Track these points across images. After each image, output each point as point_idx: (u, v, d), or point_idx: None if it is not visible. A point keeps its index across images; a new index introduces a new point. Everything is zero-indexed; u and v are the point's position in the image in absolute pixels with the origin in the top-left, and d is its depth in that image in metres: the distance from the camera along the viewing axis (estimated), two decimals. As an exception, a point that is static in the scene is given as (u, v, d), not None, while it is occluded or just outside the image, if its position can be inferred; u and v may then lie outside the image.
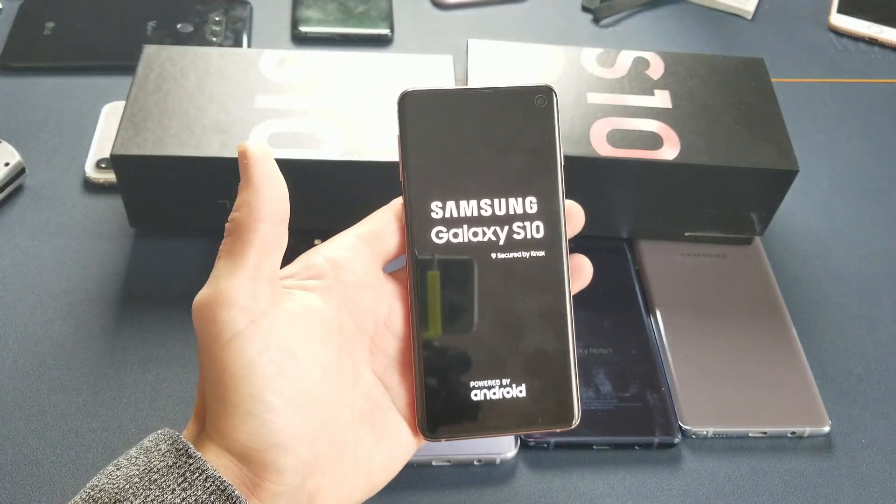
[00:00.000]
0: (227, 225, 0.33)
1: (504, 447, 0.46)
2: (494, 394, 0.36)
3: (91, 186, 0.59)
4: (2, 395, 0.47)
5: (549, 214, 0.36)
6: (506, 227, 0.36)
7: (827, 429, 0.49)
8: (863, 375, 0.53)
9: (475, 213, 0.36)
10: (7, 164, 0.57)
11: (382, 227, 0.36)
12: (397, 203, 0.37)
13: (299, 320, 0.33)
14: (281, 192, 0.33)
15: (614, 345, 0.51)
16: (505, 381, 0.36)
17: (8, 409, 0.47)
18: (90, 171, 0.59)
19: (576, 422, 0.36)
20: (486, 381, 0.36)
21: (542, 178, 0.36)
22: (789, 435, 0.49)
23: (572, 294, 0.37)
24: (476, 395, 0.36)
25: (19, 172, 0.58)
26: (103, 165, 0.59)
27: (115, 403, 0.47)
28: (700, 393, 0.49)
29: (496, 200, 0.36)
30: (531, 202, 0.36)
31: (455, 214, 0.36)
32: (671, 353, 0.51)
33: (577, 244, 0.57)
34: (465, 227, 0.36)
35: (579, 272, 0.38)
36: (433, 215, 0.36)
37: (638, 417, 0.48)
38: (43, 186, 0.59)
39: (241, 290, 0.31)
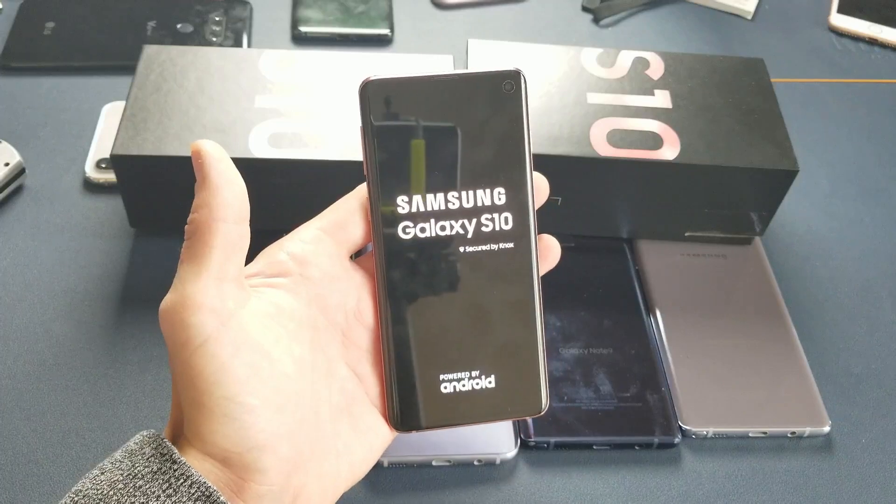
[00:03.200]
0: (186, 227, 0.32)
1: (504, 447, 0.46)
2: (464, 386, 0.36)
3: (91, 186, 0.59)
4: (2, 395, 0.47)
5: (518, 205, 0.35)
6: (474, 220, 0.35)
7: (827, 429, 0.49)
8: (863, 375, 0.53)
9: (442, 207, 0.35)
10: (7, 164, 0.57)
11: (345, 216, 0.35)
12: (362, 190, 0.36)
13: (269, 319, 0.32)
14: (239, 190, 0.32)
15: (614, 345, 0.51)
16: (474, 373, 0.36)
17: (8, 409, 0.47)
18: (90, 171, 0.59)
19: (544, 409, 0.36)
20: (454, 374, 0.36)
21: (510, 168, 0.35)
22: (789, 435, 0.49)
23: (541, 276, 0.36)
24: (445, 387, 0.36)
25: (19, 172, 0.58)
26: (103, 165, 0.59)
27: (115, 403, 0.47)
28: (700, 393, 0.49)
29: (464, 192, 0.35)
30: (499, 193, 0.35)
31: (422, 208, 0.35)
32: (671, 353, 0.51)
33: (578, 244, 0.57)
34: (433, 221, 0.35)
35: (547, 252, 0.37)
36: (399, 210, 0.35)
37: (638, 417, 0.48)
38: (43, 186, 0.59)
39: (207, 292, 0.31)
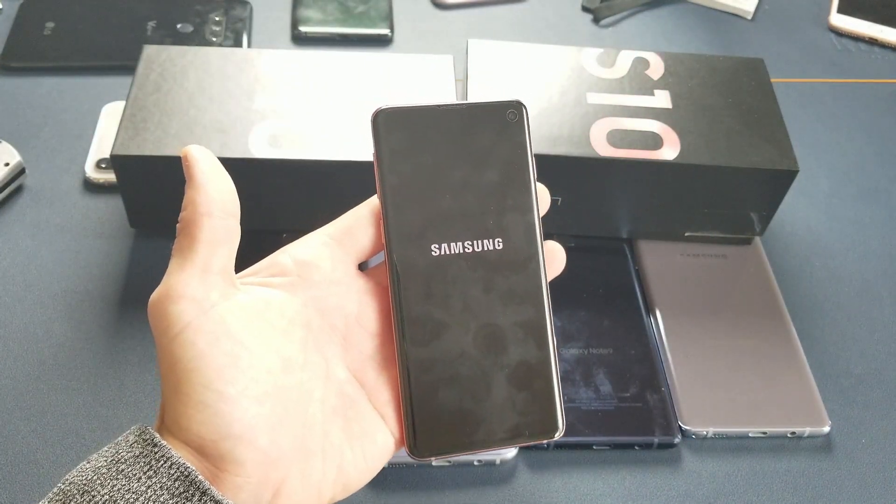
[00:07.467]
0: (177, 226, 0.33)
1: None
2: (481, 410, 0.36)
3: (91, 186, 0.59)
4: (2, 395, 0.47)
5: (526, 227, 0.36)
6: (484, 242, 0.36)
7: (827, 429, 0.49)
8: (863, 375, 0.53)
9: (453, 228, 0.36)
10: (7, 164, 0.57)
11: (354, 224, 0.36)
12: (373, 201, 0.37)
13: (253, 313, 0.33)
14: (225, 187, 0.33)
15: (614, 345, 0.51)
16: (491, 397, 0.36)
17: (8, 409, 0.47)
18: (90, 171, 0.59)
19: (560, 432, 0.36)
20: (472, 398, 0.35)
21: (516, 191, 0.36)
22: (789, 435, 0.49)
23: (548, 281, 0.37)
24: (463, 412, 0.35)
25: (19, 172, 0.58)
26: (103, 165, 0.59)
27: (115, 403, 0.47)
28: (700, 393, 0.49)
29: (473, 215, 0.36)
30: (507, 215, 0.36)
31: (434, 229, 0.36)
32: (671, 353, 0.51)
33: (578, 244, 0.57)
34: (445, 242, 0.36)
35: (553, 258, 0.38)
36: (412, 231, 0.36)
37: (638, 417, 0.48)
38: (43, 186, 0.59)
39: (189, 283, 0.31)
